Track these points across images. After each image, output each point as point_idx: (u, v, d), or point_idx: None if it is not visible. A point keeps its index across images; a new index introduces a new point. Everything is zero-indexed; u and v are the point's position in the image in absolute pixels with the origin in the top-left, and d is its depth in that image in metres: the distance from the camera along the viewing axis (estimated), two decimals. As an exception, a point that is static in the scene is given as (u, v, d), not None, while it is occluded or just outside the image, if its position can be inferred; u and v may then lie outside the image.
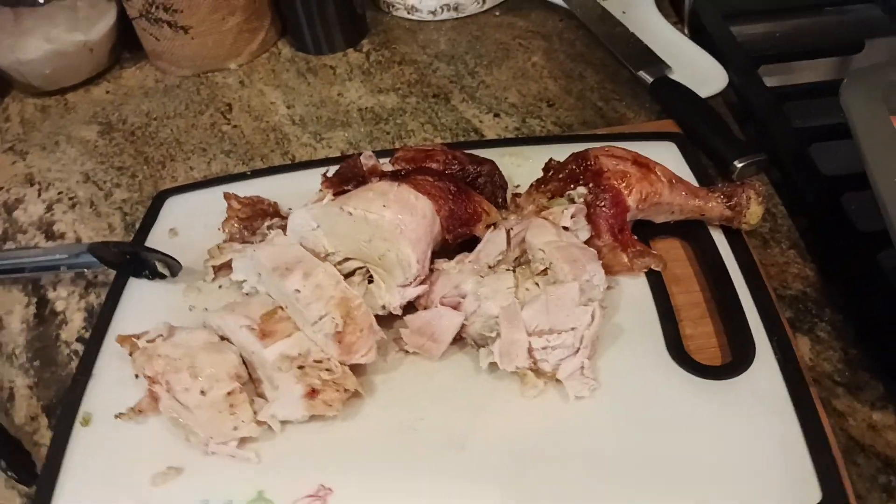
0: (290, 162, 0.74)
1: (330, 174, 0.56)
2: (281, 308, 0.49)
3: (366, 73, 0.85)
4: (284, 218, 0.59)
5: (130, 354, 0.50)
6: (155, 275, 0.58)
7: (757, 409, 0.45)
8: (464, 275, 0.50)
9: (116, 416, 0.48)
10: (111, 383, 0.52)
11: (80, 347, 0.60)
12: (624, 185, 0.51)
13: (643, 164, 0.53)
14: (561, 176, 0.53)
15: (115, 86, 0.89)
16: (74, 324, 0.62)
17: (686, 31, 0.83)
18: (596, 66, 0.81)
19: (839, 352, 0.51)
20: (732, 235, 0.55)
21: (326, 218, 0.50)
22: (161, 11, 0.83)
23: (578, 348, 0.46)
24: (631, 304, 0.52)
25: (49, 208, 0.73)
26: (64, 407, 0.51)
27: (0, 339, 0.62)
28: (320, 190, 0.55)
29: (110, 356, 0.54)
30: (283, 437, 0.47)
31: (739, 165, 0.63)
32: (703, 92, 0.70)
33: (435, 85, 0.82)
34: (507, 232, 0.51)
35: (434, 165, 0.57)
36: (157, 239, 0.63)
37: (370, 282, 0.52)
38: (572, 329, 0.46)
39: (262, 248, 0.50)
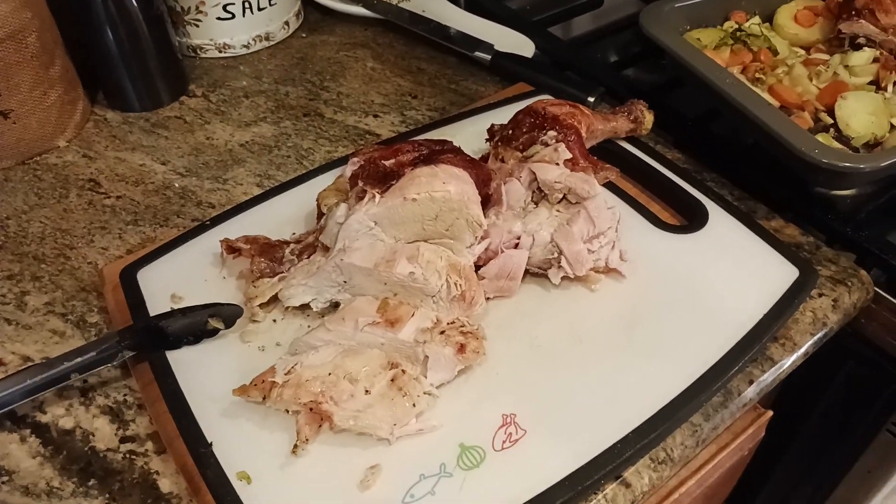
0: (211, 209, 0.74)
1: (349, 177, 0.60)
2: (386, 298, 0.54)
3: (218, 113, 0.86)
4: (299, 241, 0.62)
5: (263, 399, 0.50)
6: (200, 337, 0.56)
7: (727, 238, 0.65)
8: (508, 222, 0.60)
9: (293, 452, 0.49)
10: (234, 442, 0.51)
11: (132, 447, 0.55)
12: (575, 121, 0.66)
13: (574, 106, 0.68)
14: (524, 130, 0.66)
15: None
16: (104, 431, 0.56)
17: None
18: (424, 59, 0.94)
19: (729, 196, 0.74)
20: (633, 142, 0.74)
21: (388, 213, 0.56)
22: (-26, 100, 0.73)
23: (614, 241, 0.60)
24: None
25: (-51, 344, 0.62)
26: (211, 482, 0.49)
27: (21, 483, 0.53)
28: (350, 199, 0.59)
29: (210, 424, 0.52)
30: (442, 401, 0.53)
31: (591, 99, 0.82)
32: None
33: (298, 106, 0.86)
34: (518, 180, 0.62)
35: (407, 154, 0.65)
36: (160, 308, 0.59)
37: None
38: (609, 228, 0.60)
39: (348, 255, 0.54)
